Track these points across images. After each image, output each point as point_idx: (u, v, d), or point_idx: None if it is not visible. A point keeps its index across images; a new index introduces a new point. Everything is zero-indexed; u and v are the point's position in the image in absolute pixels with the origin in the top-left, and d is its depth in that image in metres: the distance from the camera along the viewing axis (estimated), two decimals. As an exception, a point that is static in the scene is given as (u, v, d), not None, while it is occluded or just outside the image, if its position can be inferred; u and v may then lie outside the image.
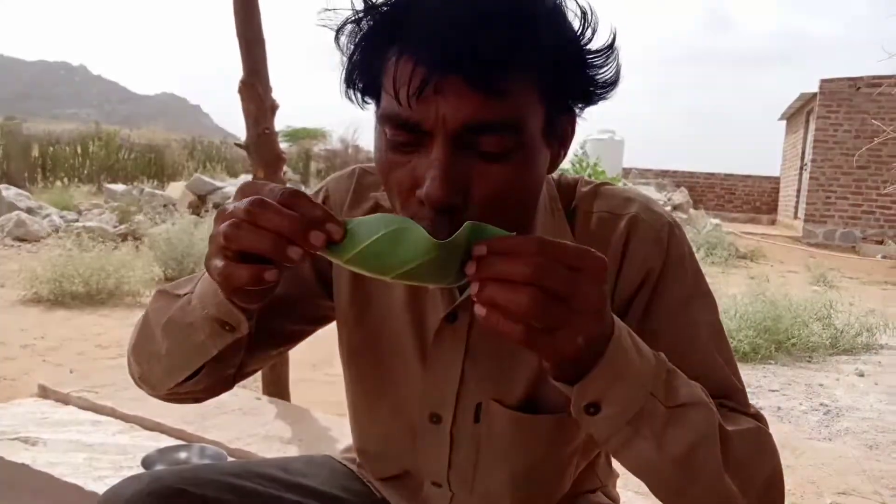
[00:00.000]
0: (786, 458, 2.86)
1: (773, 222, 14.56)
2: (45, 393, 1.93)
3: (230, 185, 9.42)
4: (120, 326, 4.32)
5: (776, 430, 3.31)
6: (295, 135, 16.80)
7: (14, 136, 13.39)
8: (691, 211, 9.84)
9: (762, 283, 6.84)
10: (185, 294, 0.70)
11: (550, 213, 0.77)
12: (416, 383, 0.80)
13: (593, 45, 0.63)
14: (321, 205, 0.53)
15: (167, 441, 1.68)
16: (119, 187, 10.17)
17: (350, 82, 0.65)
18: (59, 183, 12.72)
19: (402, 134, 0.61)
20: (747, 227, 12.58)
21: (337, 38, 0.64)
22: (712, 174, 15.20)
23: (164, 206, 8.67)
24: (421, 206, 0.61)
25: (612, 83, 0.66)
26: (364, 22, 0.62)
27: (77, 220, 7.98)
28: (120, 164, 14.40)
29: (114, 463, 1.51)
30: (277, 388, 2.27)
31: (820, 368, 4.38)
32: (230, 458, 1.61)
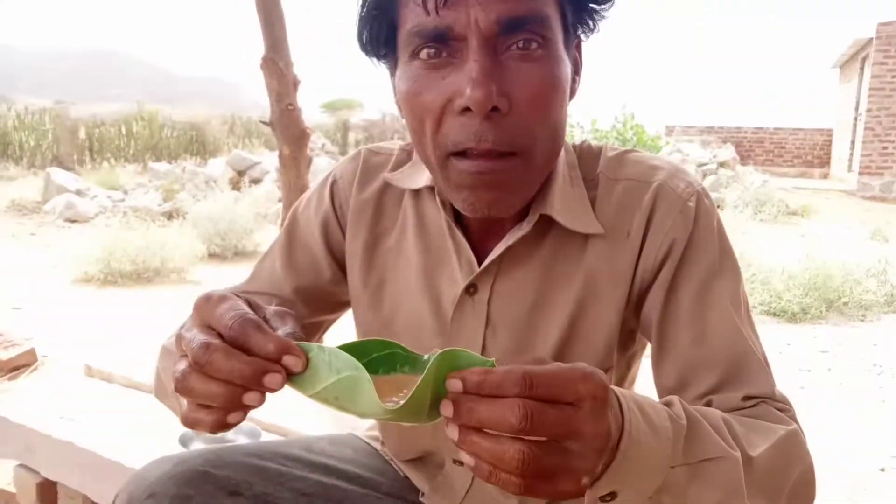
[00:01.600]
0: (835, 422, 2.78)
1: (825, 176, 13.99)
2: (90, 372, 1.99)
3: (268, 159, 9.51)
4: (166, 303, 4.45)
5: (825, 395, 3.21)
6: (332, 105, 16.84)
7: (62, 120, 13.80)
8: (738, 167, 9.52)
9: (812, 239, 6.61)
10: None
11: (569, 182, 0.75)
12: None
13: None
14: (273, 335, 0.48)
15: (205, 417, 1.73)
16: (163, 166, 10.40)
17: (367, 25, 0.65)
18: (105, 163, 13.12)
19: (433, 46, 0.61)
20: (798, 181, 12.13)
21: None
22: (760, 128, 14.60)
23: (206, 182, 8.83)
24: (462, 120, 0.62)
25: None
26: None
27: (123, 200, 8.21)
28: (163, 142, 14.73)
29: (153, 440, 1.55)
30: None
31: (874, 327, 4.23)
32: (264, 433, 1.63)
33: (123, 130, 14.35)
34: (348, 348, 0.48)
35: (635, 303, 0.75)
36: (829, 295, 4.50)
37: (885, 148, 10.69)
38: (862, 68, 11.87)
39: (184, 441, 1.48)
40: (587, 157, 0.78)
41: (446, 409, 0.44)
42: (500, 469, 0.44)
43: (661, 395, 0.73)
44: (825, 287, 4.52)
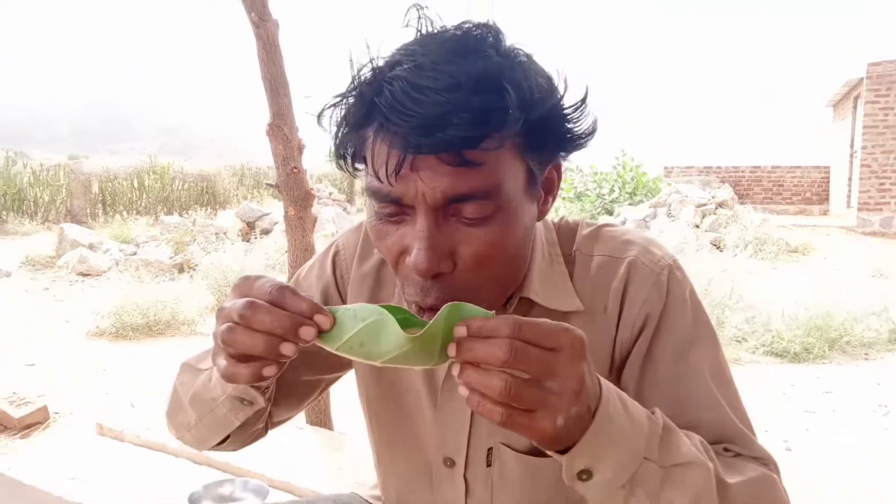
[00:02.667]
0: (843, 463, 2.79)
1: (825, 213, 14.03)
2: (102, 431, 2.07)
3: (277, 210, 9.68)
4: (177, 357, 4.51)
5: (830, 437, 3.20)
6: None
7: (76, 175, 14.13)
8: (737, 207, 9.58)
9: (813, 277, 6.63)
10: (206, 369, 0.77)
11: (549, 261, 0.78)
12: (431, 429, 0.83)
13: (567, 101, 0.66)
14: (308, 298, 0.55)
15: (214, 473, 1.78)
16: (174, 218, 10.59)
17: (339, 156, 0.68)
18: (118, 216, 13.33)
19: (387, 206, 0.65)
20: (798, 219, 12.18)
21: (319, 121, 0.68)
22: (758, 167, 14.72)
23: (216, 234, 8.98)
24: (412, 275, 0.65)
25: (590, 133, 0.68)
26: (343, 104, 0.65)
27: (135, 253, 8.35)
28: (174, 195, 15.01)
29: (164, 500, 1.62)
30: (320, 416, 2.36)
31: (878, 366, 4.23)
32: (271, 490, 1.69)
33: (136, 184, 14.65)
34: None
35: (616, 376, 0.77)
36: (830, 334, 4.51)
37: (883, 184, 10.77)
38: (855, 107, 12.04)
39: (193, 501, 1.54)
40: (565, 233, 0.82)
41: (451, 349, 0.53)
42: (486, 398, 0.51)
43: None
44: (827, 326, 4.52)
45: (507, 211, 0.65)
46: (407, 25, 0.66)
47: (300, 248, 2.33)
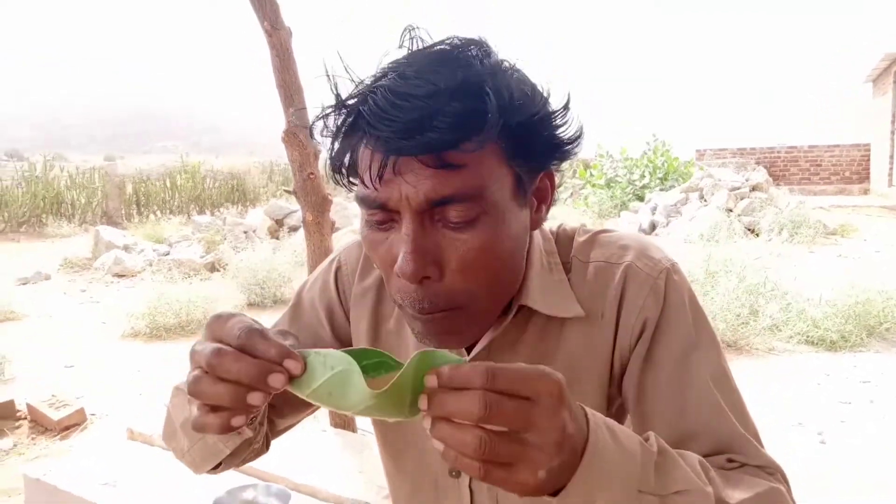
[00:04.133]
0: (880, 457, 2.71)
1: (865, 192, 13.60)
2: (132, 436, 2.11)
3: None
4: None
5: (867, 429, 3.11)
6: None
7: (110, 177, 14.47)
8: (772, 190, 9.34)
9: (852, 261, 6.43)
10: None
11: (547, 270, 0.77)
12: None
13: (550, 107, 0.66)
14: (276, 342, 0.53)
15: (237, 478, 1.81)
16: (205, 218, 10.79)
17: (335, 170, 0.68)
18: (151, 216, 13.63)
19: (376, 213, 0.65)
20: (837, 199, 11.83)
21: (311, 133, 0.69)
22: (794, 147, 14.29)
23: (245, 232, 9.11)
24: (401, 282, 0.65)
25: (576, 139, 0.68)
26: (332, 116, 0.66)
27: (168, 253, 8.52)
28: (206, 193, 15.27)
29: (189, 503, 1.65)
30: (343, 418, 2.38)
31: (920, 354, 4.10)
32: (294, 493, 1.71)
33: (168, 184, 14.94)
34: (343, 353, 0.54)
35: (618, 379, 0.77)
36: (869, 321, 4.38)
37: (926, 161, 10.41)
38: (895, 81, 11.64)
39: (217, 505, 1.57)
40: (563, 241, 0.81)
41: (422, 402, 0.50)
42: (463, 454, 0.49)
43: None
44: (865, 313, 4.40)
45: (493, 216, 0.64)
46: (401, 47, 0.67)
47: (319, 253, 2.35)
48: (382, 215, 0.65)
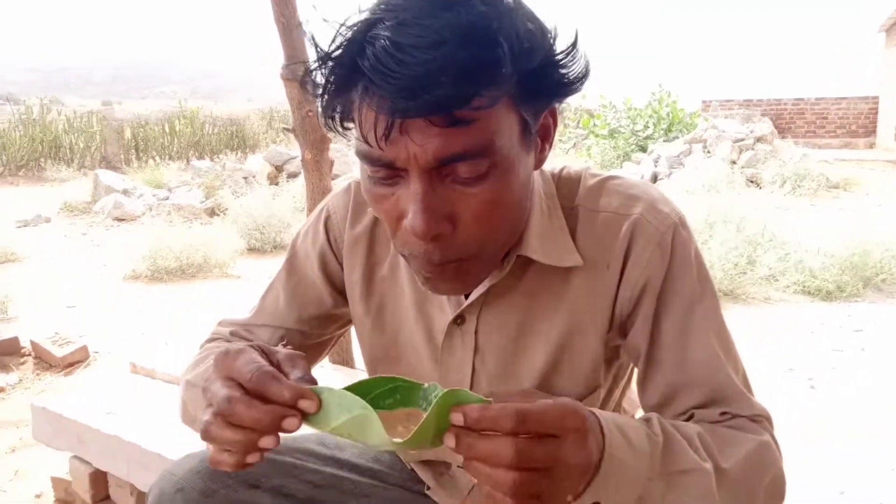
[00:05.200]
0: (867, 403, 2.76)
1: (871, 146, 13.44)
2: (135, 369, 2.15)
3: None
4: (209, 299, 4.65)
5: (857, 376, 3.15)
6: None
7: (108, 122, 14.31)
8: (776, 142, 9.24)
9: (852, 213, 6.42)
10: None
11: (547, 215, 0.76)
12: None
13: (557, 47, 0.63)
14: (289, 384, 0.54)
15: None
16: (204, 163, 10.71)
17: (327, 117, 0.65)
18: (150, 162, 13.54)
19: (380, 170, 0.63)
20: (842, 153, 11.72)
21: (304, 83, 0.66)
22: (801, 99, 14.03)
23: (245, 178, 9.06)
24: (411, 237, 0.64)
25: (583, 76, 0.65)
26: (325, 67, 0.62)
27: (168, 198, 8.50)
28: (205, 139, 15.12)
29: (190, 431, 1.69)
30: (342, 354, 2.41)
31: (914, 305, 4.14)
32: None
33: (167, 129, 14.78)
34: (355, 388, 0.55)
35: (618, 327, 0.78)
36: (866, 272, 4.41)
37: (934, 115, 10.26)
38: (910, 32, 11.37)
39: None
40: (566, 185, 0.79)
41: (449, 440, 0.52)
42: (496, 489, 0.52)
43: (645, 411, 0.78)
44: (863, 264, 4.42)
45: (504, 167, 0.63)
46: None
47: (318, 192, 2.34)
48: (387, 172, 0.63)
